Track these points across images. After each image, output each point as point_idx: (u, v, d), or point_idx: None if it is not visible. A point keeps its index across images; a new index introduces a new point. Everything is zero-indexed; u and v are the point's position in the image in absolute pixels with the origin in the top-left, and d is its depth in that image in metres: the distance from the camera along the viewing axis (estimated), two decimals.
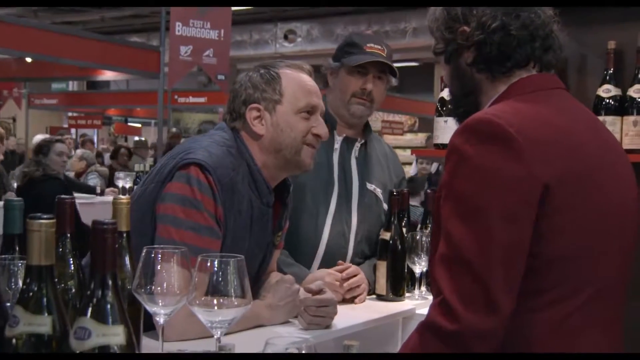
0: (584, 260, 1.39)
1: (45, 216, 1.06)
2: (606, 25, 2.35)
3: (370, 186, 2.58)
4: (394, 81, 2.60)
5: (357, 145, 2.59)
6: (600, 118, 2.28)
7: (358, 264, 2.51)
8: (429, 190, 2.65)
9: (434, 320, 1.34)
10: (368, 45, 2.51)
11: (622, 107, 2.29)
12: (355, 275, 2.35)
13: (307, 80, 2.01)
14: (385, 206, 2.59)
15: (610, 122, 2.28)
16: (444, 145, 2.62)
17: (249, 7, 12.88)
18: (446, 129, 2.59)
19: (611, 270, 1.46)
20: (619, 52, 2.33)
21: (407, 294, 2.44)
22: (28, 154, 9.55)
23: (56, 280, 1.30)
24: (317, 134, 1.99)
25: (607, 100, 2.30)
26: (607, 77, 2.32)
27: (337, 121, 2.56)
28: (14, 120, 16.07)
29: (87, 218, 2.05)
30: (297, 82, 1.98)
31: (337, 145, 2.56)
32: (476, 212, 1.33)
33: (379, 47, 2.52)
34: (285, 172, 2.03)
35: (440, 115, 2.61)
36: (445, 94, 2.64)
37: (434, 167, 8.53)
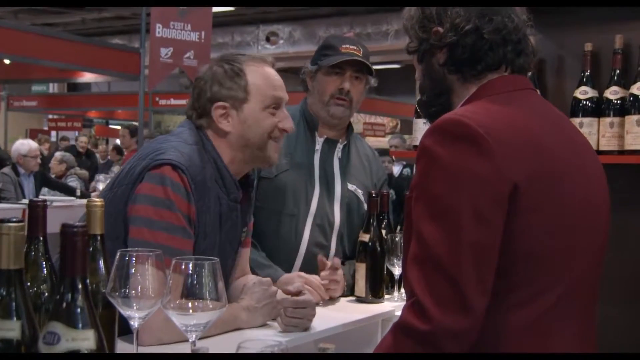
0: (553, 260, 1.40)
1: (14, 219, 1.05)
2: (583, 27, 2.37)
3: (352, 187, 2.58)
4: (372, 81, 2.61)
5: (340, 146, 2.60)
6: (577, 120, 2.30)
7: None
8: (407, 193, 2.64)
9: (407, 320, 1.34)
10: (343, 46, 2.52)
11: (599, 108, 2.31)
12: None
13: (272, 74, 2.01)
14: (366, 207, 2.59)
15: (587, 124, 2.30)
16: None
17: (231, 9, 12.86)
18: (425, 130, 2.60)
19: (582, 269, 1.46)
20: (596, 54, 2.35)
21: (386, 296, 2.44)
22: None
23: (28, 284, 1.29)
24: (283, 129, 1.99)
25: (584, 102, 2.32)
26: (584, 79, 2.33)
27: (318, 123, 2.56)
28: None
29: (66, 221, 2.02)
30: (263, 77, 1.98)
31: (318, 147, 2.56)
32: (446, 212, 1.33)
33: (355, 47, 2.53)
34: (251, 166, 2.04)
35: (419, 117, 2.62)
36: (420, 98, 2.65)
37: (396, 170, 8.45)
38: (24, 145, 7.44)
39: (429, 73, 1.57)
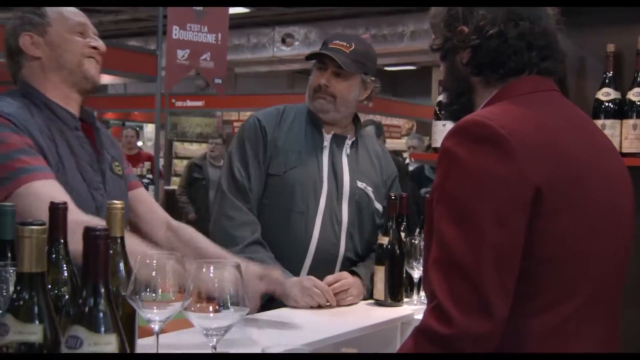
0: (576, 263, 1.38)
1: (36, 222, 1.04)
2: (605, 28, 2.34)
3: (361, 184, 2.56)
4: (364, 77, 2.56)
5: (348, 142, 2.58)
6: (600, 122, 2.26)
7: (351, 263, 2.50)
8: (426, 195, 2.63)
9: (428, 324, 1.32)
10: (333, 42, 2.53)
11: (622, 110, 2.28)
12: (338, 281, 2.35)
13: (71, 8, 2.10)
14: (376, 205, 2.58)
15: (610, 126, 2.27)
16: None
17: (247, 11, 12.88)
18: (444, 132, 2.57)
19: (606, 272, 1.45)
20: (619, 55, 2.31)
21: (405, 299, 2.42)
22: None
23: (49, 287, 1.29)
24: (94, 46, 2.05)
25: (607, 104, 2.29)
26: (607, 81, 2.30)
27: (320, 119, 2.56)
28: None
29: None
30: (60, 8, 2.07)
31: (326, 143, 2.55)
32: (468, 215, 1.32)
33: (344, 43, 2.51)
34: (75, 88, 2.05)
35: (438, 118, 2.60)
36: (443, 97, 2.63)
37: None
38: None
39: (452, 71, 1.56)
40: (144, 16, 13.82)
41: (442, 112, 2.58)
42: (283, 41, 13.88)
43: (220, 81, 7.12)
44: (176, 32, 6.81)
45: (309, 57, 2.58)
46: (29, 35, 2.01)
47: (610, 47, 2.30)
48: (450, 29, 1.53)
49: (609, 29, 2.34)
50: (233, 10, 9.03)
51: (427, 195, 2.57)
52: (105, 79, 10.90)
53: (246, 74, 15.60)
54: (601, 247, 1.42)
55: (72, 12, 2.07)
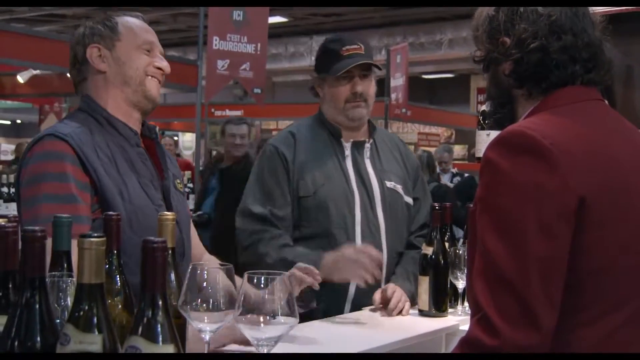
0: (624, 276, 1.37)
1: (95, 234, 1.07)
2: None
3: (390, 184, 2.56)
4: (377, 72, 2.58)
5: (367, 146, 2.58)
6: None
7: (395, 264, 2.52)
8: (470, 205, 2.61)
9: (475, 335, 1.32)
10: (344, 48, 2.51)
11: None
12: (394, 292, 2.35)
13: (142, 23, 2.10)
14: (407, 199, 2.58)
15: None
16: None
17: (285, 20, 12.97)
18: (489, 142, 2.56)
19: None
20: None
21: (450, 310, 2.41)
22: None
23: None
24: (159, 67, 2.05)
25: None
26: None
27: (340, 128, 2.55)
28: None
29: None
30: (133, 22, 2.07)
31: (347, 152, 2.55)
32: (512, 226, 1.31)
33: (356, 46, 2.52)
34: (136, 108, 2.04)
35: (482, 128, 2.58)
36: (487, 106, 2.62)
37: (445, 179, 8.21)
38: None
39: (494, 82, 1.56)
40: (183, 27, 14.01)
41: (487, 121, 2.57)
42: None
43: (259, 91, 7.17)
44: (216, 43, 6.87)
45: (344, 71, 2.48)
46: (97, 48, 2.01)
47: None
48: (491, 40, 1.52)
49: None
50: (271, 19, 9.10)
51: (471, 207, 2.58)
52: None
53: (284, 83, 15.69)
54: None
55: (143, 29, 2.07)
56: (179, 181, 2.16)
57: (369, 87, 2.54)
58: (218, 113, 12.31)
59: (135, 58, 2.02)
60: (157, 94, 2.07)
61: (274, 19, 11.85)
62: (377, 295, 2.37)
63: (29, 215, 1.80)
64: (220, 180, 5.40)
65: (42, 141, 1.88)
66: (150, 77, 2.04)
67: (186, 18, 13.20)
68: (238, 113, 11.87)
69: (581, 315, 1.35)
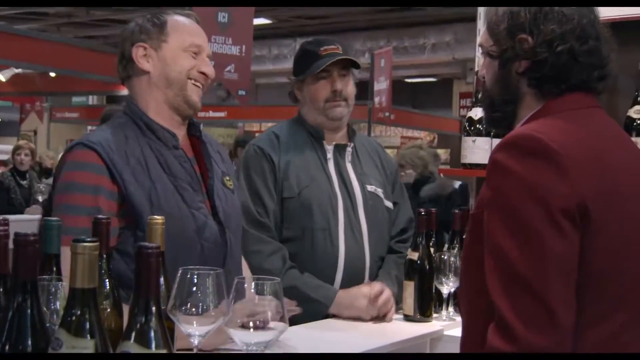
0: (622, 278, 1.39)
1: (88, 239, 1.06)
2: (638, 45, 2.34)
3: (371, 187, 2.57)
4: (357, 73, 2.60)
5: (349, 149, 2.59)
6: (632, 140, 2.26)
7: (377, 268, 2.52)
8: (456, 211, 2.63)
9: (493, 345, 1.32)
10: (322, 48, 2.51)
11: None
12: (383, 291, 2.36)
13: (193, 23, 2.08)
14: (387, 204, 2.59)
15: None
16: (471, 165, 2.62)
17: (269, 22, 12.96)
18: (474, 148, 2.59)
19: None
20: None
21: (434, 315, 2.42)
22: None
23: None
24: (203, 72, 2.02)
25: (638, 122, 2.29)
26: (639, 98, 2.30)
27: (322, 131, 2.55)
28: (35, 133, 16.22)
29: None
30: (182, 23, 2.05)
31: (330, 155, 2.55)
32: (526, 227, 1.32)
33: (333, 46, 2.52)
34: (176, 112, 2.03)
35: (468, 134, 2.61)
36: (473, 113, 2.64)
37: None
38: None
39: (503, 79, 1.54)
40: None
41: (472, 127, 2.59)
42: None
43: (244, 92, 7.14)
44: None
45: (321, 71, 2.49)
46: (143, 47, 2.00)
47: None
48: (512, 36, 1.50)
49: None
50: (256, 21, 9.09)
51: (459, 211, 2.59)
52: None
53: (267, 84, 15.67)
54: None
55: (192, 30, 2.05)
56: (228, 178, 2.14)
57: (349, 86, 2.54)
58: (201, 114, 12.23)
59: (181, 60, 2.00)
60: (198, 100, 2.04)
61: (258, 21, 11.83)
62: (365, 290, 2.37)
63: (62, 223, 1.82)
64: None
65: (73, 150, 1.91)
66: (192, 82, 2.01)
67: None
68: (222, 114, 11.85)
69: (583, 316, 1.36)
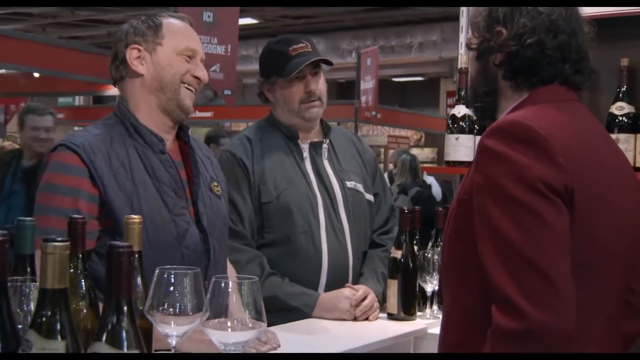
0: (593, 266, 1.42)
1: (59, 238, 1.04)
2: (619, 42, 2.34)
3: (350, 184, 2.54)
4: (326, 67, 2.56)
5: (325, 146, 2.55)
6: (614, 136, 2.27)
7: (360, 265, 2.51)
8: (439, 209, 2.63)
9: (499, 324, 1.32)
10: (291, 48, 2.46)
11: (636, 124, 2.28)
12: (365, 298, 2.34)
13: (188, 27, 2.07)
14: (367, 197, 2.57)
15: (624, 140, 2.27)
16: (455, 163, 2.61)
17: (255, 22, 12.93)
18: (458, 146, 2.58)
19: (619, 277, 1.49)
20: (633, 70, 2.32)
21: (418, 313, 2.42)
22: None
23: None
24: (197, 76, 2.01)
25: (621, 118, 2.29)
26: (621, 95, 2.31)
27: (296, 130, 2.52)
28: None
29: None
30: (177, 27, 2.04)
31: (305, 154, 2.51)
32: (523, 207, 1.34)
33: (302, 44, 2.47)
34: (168, 116, 2.02)
35: (452, 132, 2.60)
36: (457, 110, 2.63)
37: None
38: None
39: (483, 70, 1.59)
40: None
41: (456, 125, 2.59)
42: None
43: (229, 92, 7.13)
44: None
45: (288, 72, 2.45)
46: (137, 49, 1.98)
47: (624, 62, 2.30)
48: (489, 29, 1.55)
49: (623, 44, 2.35)
50: (242, 21, 9.07)
51: (442, 209, 2.59)
52: (115, 90, 10.95)
53: (254, 84, 15.64)
54: (619, 252, 1.47)
55: (187, 34, 2.04)
56: (215, 184, 2.12)
57: (321, 85, 2.51)
58: None
59: (175, 64, 1.99)
60: (191, 104, 2.03)
61: (244, 21, 11.81)
62: (347, 292, 2.36)
63: (38, 222, 1.80)
64: (25, 181, 4.39)
65: (56, 151, 1.91)
66: (185, 86, 2.00)
67: None
68: (208, 114, 11.82)
69: None
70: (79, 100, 18.31)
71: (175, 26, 2.03)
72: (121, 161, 1.90)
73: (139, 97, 2.00)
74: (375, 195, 2.62)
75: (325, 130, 2.59)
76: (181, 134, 2.08)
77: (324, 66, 2.54)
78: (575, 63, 1.52)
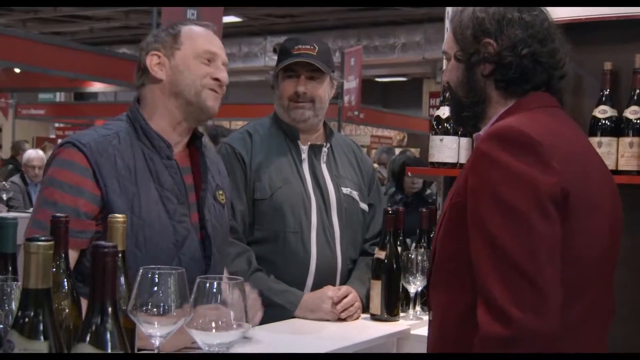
0: (586, 266, 1.44)
1: (42, 238, 1.03)
2: (603, 46, 2.36)
3: (346, 190, 2.54)
4: (336, 76, 2.57)
5: (325, 150, 2.55)
6: (596, 139, 2.28)
7: (349, 270, 2.50)
8: (423, 210, 2.63)
9: (487, 331, 1.34)
10: (296, 47, 2.48)
11: (618, 128, 2.29)
12: (347, 296, 2.34)
13: (209, 32, 2.07)
14: (362, 206, 2.57)
15: (607, 143, 2.28)
16: (439, 164, 2.61)
17: (239, 20, 12.91)
18: (442, 147, 2.58)
19: (606, 281, 1.53)
20: (616, 73, 2.33)
21: (401, 314, 2.42)
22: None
23: None
24: (217, 78, 2.01)
25: (603, 121, 2.30)
26: (603, 98, 2.32)
27: (297, 131, 2.51)
28: (0, 130, 15.96)
29: None
30: (197, 32, 2.04)
31: (304, 155, 2.51)
32: (516, 212, 1.36)
33: (308, 46, 2.48)
34: (190, 118, 2.01)
35: (436, 133, 2.60)
36: (441, 112, 2.64)
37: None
38: (27, 154, 7.49)
39: (469, 81, 1.60)
40: (135, 24, 13.81)
41: (440, 125, 2.59)
42: (274, 51, 13.88)
43: None
44: None
45: (286, 69, 2.48)
46: (157, 55, 1.99)
47: (607, 65, 2.31)
48: (477, 41, 1.56)
49: (606, 47, 2.36)
50: (225, 19, 9.05)
51: (426, 210, 2.60)
52: (97, 86, 10.88)
53: (237, 83, 15.61)
54: (606, 255, 1.51)
55: (206, 38, 2.04)
56: (221, 192, 2.11)
57: (316, 90, 2.49)
58: None
59: (193, 68, 1.98)
60: (214, 105, 2.01)
61: (228, 19, 11.78)
62: (330, 292, 2.35)
63: (35, 214, 1.86)
64: None
65: (63, 148, 1.91)
66: (206, 89, 1.98)
67: (138, 15, 13.02)
68: None
69: None
70: (60, 97, 18.18)
71: (194, 32, 2.03)
72: (126, 163, 1.90)
73: (158, 102, 2.00)
74: (370, 205, 2.63)
75: (328, 134, 2.60)
76: (195, 140, 2.07)
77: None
78: (562, 68, 1.57)
